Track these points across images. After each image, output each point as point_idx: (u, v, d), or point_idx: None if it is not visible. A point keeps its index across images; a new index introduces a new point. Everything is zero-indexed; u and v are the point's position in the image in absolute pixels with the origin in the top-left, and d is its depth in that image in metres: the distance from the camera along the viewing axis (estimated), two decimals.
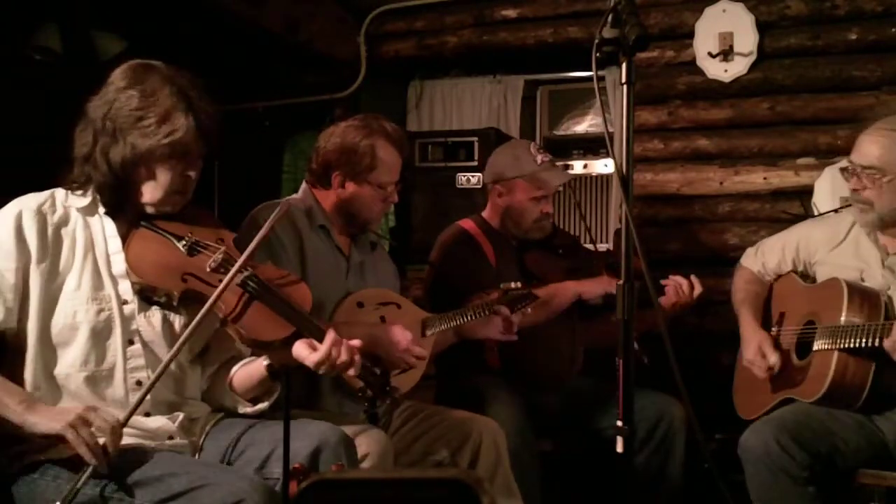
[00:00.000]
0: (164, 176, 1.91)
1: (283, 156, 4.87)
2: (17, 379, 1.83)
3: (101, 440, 1.69)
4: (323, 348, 1.91)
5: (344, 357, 1.93)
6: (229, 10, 3.77)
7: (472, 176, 4.29)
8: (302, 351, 1.94)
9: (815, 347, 2.53)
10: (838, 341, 2.44)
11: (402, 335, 2.41)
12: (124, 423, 1.76)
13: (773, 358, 2.62)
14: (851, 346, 2.41)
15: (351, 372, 1.98)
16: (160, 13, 3.77)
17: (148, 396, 1.84)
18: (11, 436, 1.84)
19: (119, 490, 1.74)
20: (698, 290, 2.88)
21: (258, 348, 1.99)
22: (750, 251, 2.96)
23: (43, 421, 1.72)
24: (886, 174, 2.46)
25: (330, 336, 1.92)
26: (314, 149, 2.64)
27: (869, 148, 2.51)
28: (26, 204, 1.88)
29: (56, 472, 1.79)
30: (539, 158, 3.02)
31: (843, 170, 2.63)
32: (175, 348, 1.84)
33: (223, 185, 4.39)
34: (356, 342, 1.98)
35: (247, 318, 1.91)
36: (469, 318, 2.62)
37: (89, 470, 1.69)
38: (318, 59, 4.51)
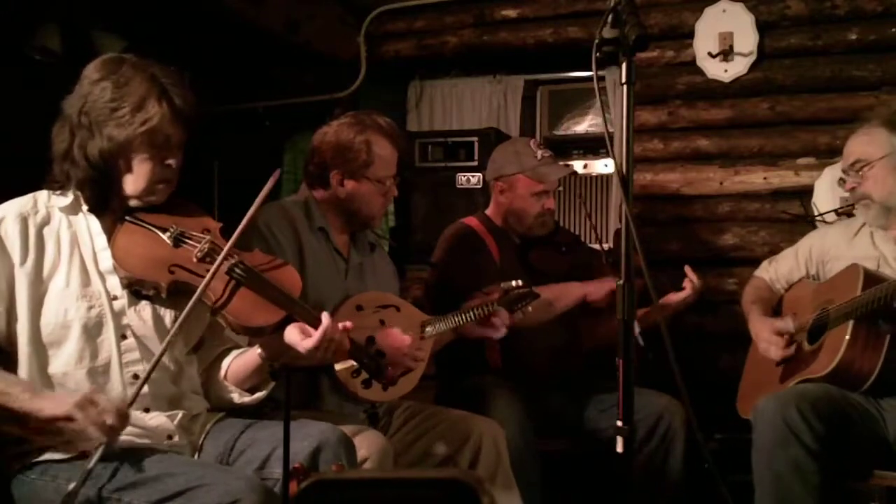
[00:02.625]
0: (144, 166, 1.89)
1: (283, 156, 4.86)
2: None
3: (109, 420, 1.66)
4: (317, 335, 1.89)
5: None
6: (229, 10, 3.77)
7: (473, 176, 4.29)
8: (294, 336, 1.91)
9: (830, 325, 2.54)
10: (854, 311, 2.44)
11: (401, 339, 2.42)
12: (130, 405, 1.75)
13: (781, 324, 2.68)
14: (870, 308, 2.40)
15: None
16: (160, 13, 3.77)
17: (146, 390, 1.83)
18: (12, 435, 1.84)
19: (116, 490, 1.74)
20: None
21: (250, 335, 1.97)
22: (764, 263, 3.00)
23: (49, 405, 1.68)
24: (871, 161, 2.59)
25: (325, 321, 1.90)
26: (309, 150, 2.64)
27: (853, 148, 2.66)
28: (7, 210, 1.87)
29: (56, 471, 1.79)
30: (539, 154, 3.04)
31: (840, 180, 2.75)
32: (168, 338, 1.82)
33: (223, 185, 4.39)
34: (347, 324, 1.96)
35: (236, 304, 1.89)
36: (468, 318, 2.62)
37: (100, 450, 1.68)
38: (318, 59, 4.51)
